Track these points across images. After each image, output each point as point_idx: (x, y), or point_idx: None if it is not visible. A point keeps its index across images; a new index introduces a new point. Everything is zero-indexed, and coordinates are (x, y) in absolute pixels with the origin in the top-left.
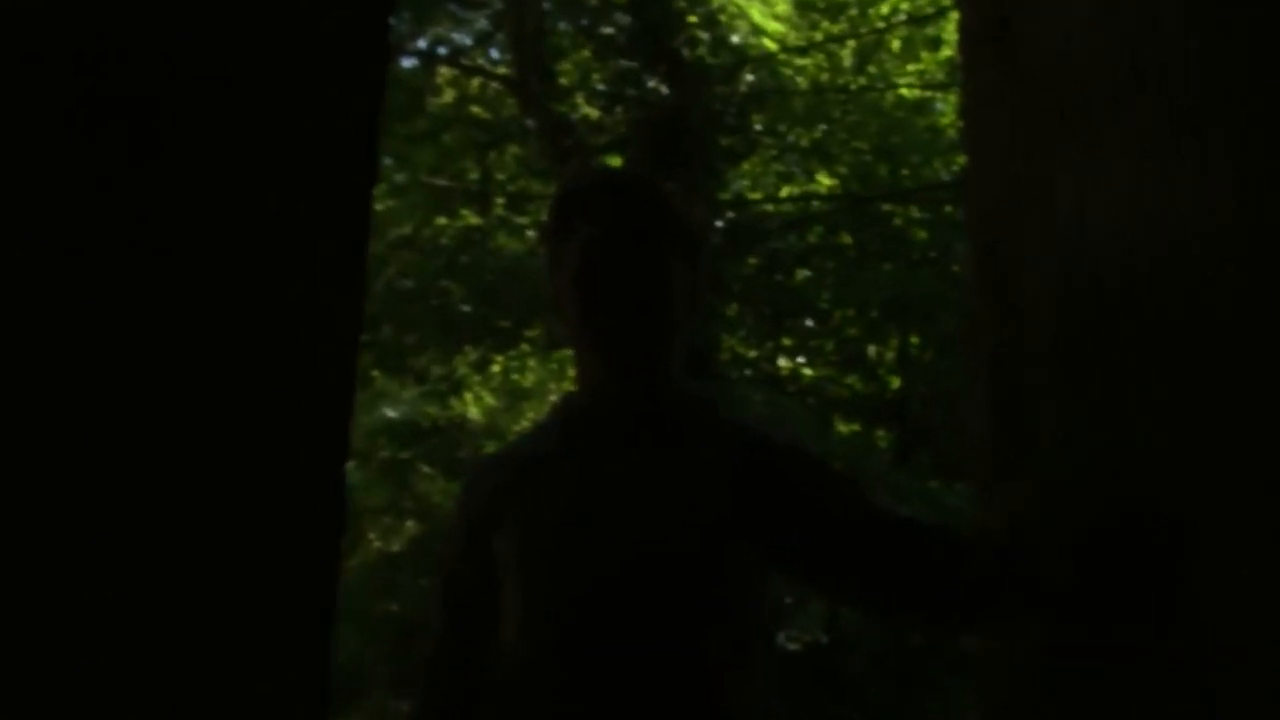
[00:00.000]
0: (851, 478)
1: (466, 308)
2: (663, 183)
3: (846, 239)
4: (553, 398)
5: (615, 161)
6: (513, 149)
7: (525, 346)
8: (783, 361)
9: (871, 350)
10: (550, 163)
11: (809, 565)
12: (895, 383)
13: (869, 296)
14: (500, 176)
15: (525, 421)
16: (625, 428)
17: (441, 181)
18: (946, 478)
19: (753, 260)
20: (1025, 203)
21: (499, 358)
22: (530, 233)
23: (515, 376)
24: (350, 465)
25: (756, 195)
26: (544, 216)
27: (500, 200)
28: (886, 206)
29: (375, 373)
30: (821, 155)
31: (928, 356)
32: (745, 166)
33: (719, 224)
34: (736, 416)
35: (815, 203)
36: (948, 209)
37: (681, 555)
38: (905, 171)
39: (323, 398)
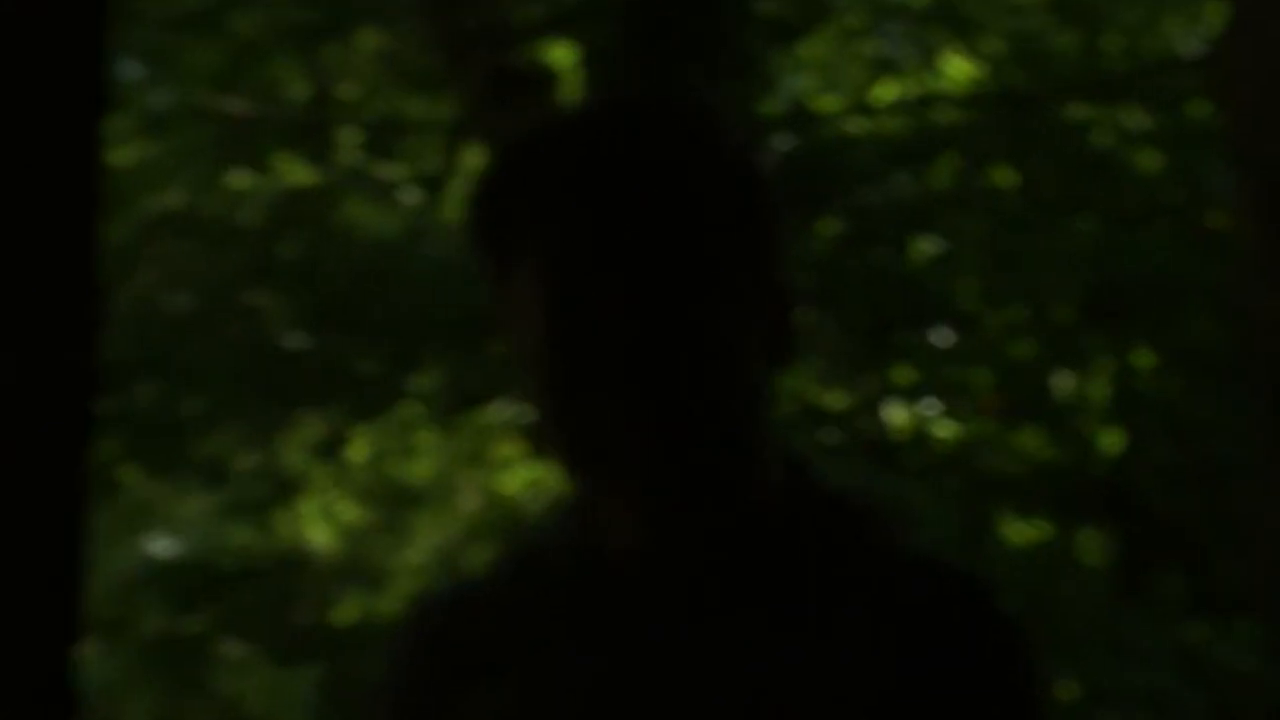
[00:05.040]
0: None
1: (299, 338)
2: (705, 109)
3: (1006, 175)
4: (471, 503)
5: (561, 54)
6: (368, 38)
7: (412, 405)
8: (895, 411)
9: (1063, 384)
10: (445, 63)
11: None
12: (1110, 442)
13: (1055, 283)
14: (348, 93)
15: (422, 553)
16: (692, 584)
17: (238, 104)
18: (1216, 615)
19: (829, 224)
20: None
21: (362, 429)
22: (407, 194)
23: (396, 466)
24: (86, 650)
25: (832, 103)
26: (470, 194)
27: (353, 136)
28: (1077, 111)
29: (127, 472)
30: (953, 24)
31: (1172, 390)
32: (809, 52)
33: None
34: (924, 551)
35: (944, 112)
36: (1191, 109)
37: None
38: (1110, 48)
39: (29, 530)
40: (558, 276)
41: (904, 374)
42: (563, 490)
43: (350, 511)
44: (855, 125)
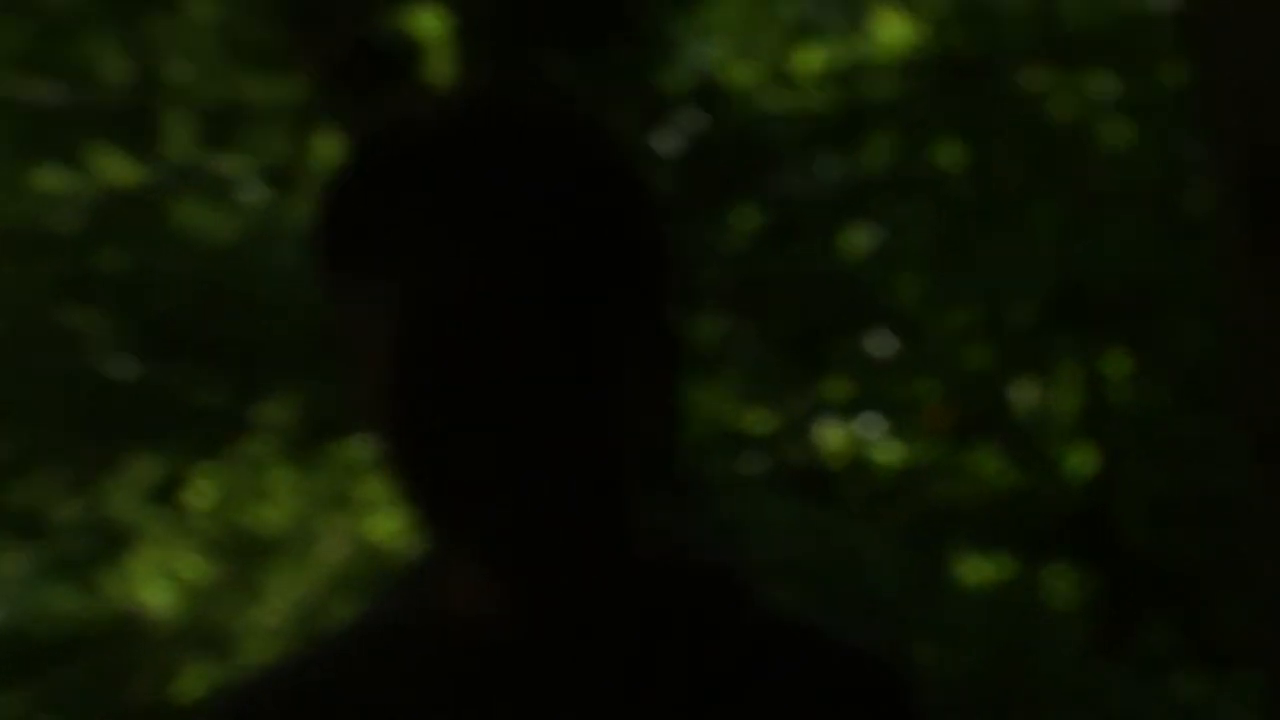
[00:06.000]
0: None
1: (125, 364)
2: (588, 113)
3: (952, 155)
4: (334, 553)
5: (430, 23)
6: (200, 8)
7: (261, 440)
8: (829, 433)
9: (1025, 397)
10: (291, 37)
11: None
12: (1082, 464)
13: (1012, 279)
14: (177, 74)
15: (278, 613)
16: (549, 659)
17: (47, 89)
18: (1211, 666)
19: (746, 216)
20: None
21: (203, 469)
22: (249, 191)
23: (244, 512)
24: None
25: (746, 75)
26: (318, 196)
27: (185, 124)
28: (1034, 79)
29: None
30: None
31: (1153, 402)
32: (717, 16)
33: (666, 141)
34: (779, 609)
35: (878, 83)
36: (1164, 73)
37: None
38: (1070, 5)
39: None
40: (411, 296)
41: (838, 388)
42: (414, 546)
43: (192, 567)
44: (774, 100)
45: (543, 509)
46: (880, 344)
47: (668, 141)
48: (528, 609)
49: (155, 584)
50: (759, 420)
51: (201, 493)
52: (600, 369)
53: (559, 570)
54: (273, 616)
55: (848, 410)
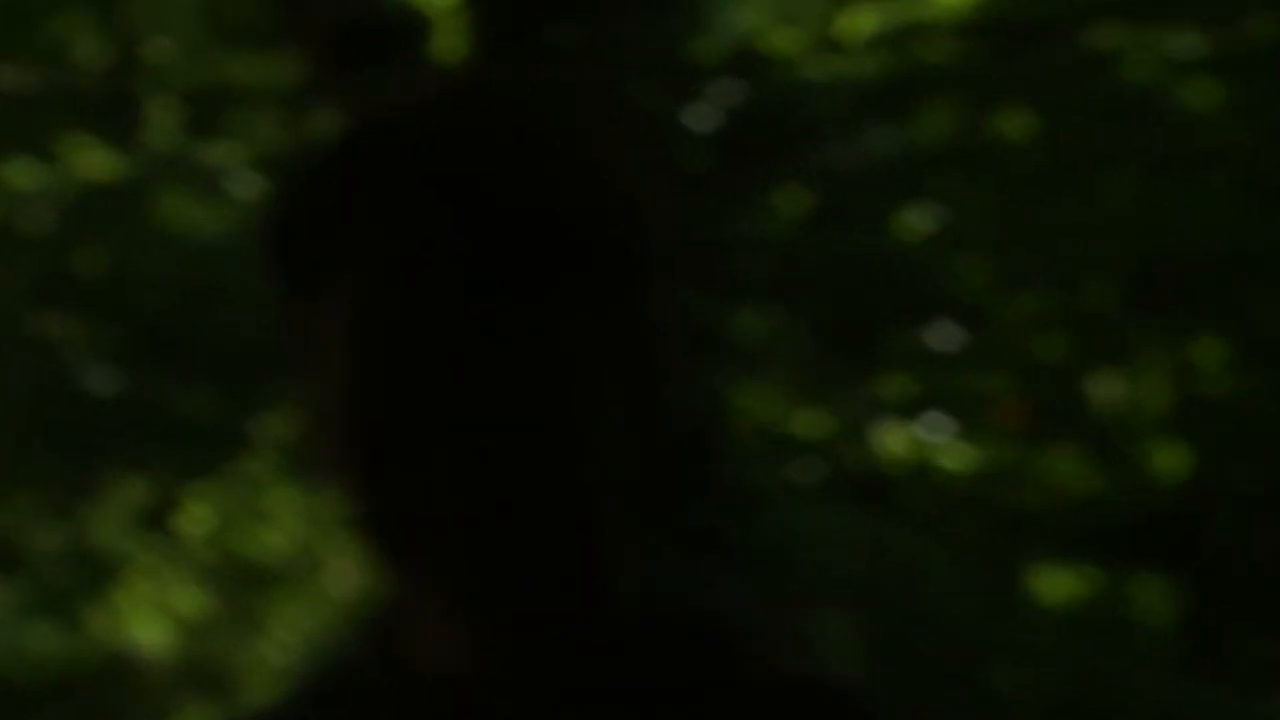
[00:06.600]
0: None
1: (106, 375)
2: (553, 110)
3: (1019, 124)
4: (343, 581)
5: None
6: None
7: (261, 457)
8: (888, 436)
9: (1106, 390)
10: (283, 13)
11: None
12: (1172, 464)
13: (1088, 260)
14: (159, 55)
15: (282, 648)
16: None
17: (17, 75)
18: None
19: (792, 197)
20: None
21: (197, 490)
22: (240, 183)
23: (243, 537)
24: None
25: (789, 41)
26: (276, 192)
27: (168, 110)
28: (1108, 37)
29: None
30: None
31: (1248, 391)
32: None
33: (701, 116)
34: (781, 664)
35: (935, 47)
36: (1254, 27)
37: None
38: None
39: None
40: (375, 305)
41: (897, 386)
42: (376, 591)
43: (187, 599)
44: (819, 68)
45: (516, 552)
46: (942, 335)
47: (702, 117)
48: (496, 665)
49: (147, 619)
50: (810, 423)
51: (195, 517)
52: (577, 389)
53: (531, 623)
54: (276, 651)
55: (908, 410)
